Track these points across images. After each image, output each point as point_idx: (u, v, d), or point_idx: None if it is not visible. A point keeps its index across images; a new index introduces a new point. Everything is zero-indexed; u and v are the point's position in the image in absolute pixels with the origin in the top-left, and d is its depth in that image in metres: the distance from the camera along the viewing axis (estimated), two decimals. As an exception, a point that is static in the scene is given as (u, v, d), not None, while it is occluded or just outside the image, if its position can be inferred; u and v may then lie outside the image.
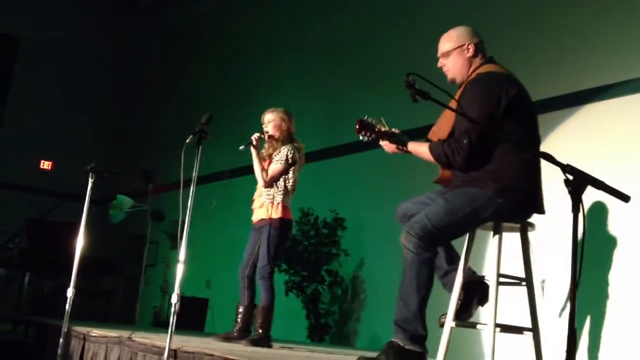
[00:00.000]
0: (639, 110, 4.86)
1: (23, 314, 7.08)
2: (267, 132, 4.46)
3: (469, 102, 2.88)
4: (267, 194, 4.38)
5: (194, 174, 3.20)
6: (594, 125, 5.16)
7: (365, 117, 3.08)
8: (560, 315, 4.78)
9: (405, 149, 3.10)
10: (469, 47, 3.07)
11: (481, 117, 2.82)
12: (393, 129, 3.14)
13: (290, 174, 4.41)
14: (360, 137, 3.08)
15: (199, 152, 3.23)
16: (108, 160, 11.86)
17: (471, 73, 3.06)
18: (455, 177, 3.02)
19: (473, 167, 2.89)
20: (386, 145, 3.14)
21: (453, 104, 2.90)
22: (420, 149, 3.04)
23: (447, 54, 3.12)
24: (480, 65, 3.06)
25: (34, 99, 12.29)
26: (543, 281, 4.98)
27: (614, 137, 4.98)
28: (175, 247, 9.80)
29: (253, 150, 4.35)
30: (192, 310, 7.50)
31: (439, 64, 3.16)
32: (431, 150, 2.97)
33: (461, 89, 3.03)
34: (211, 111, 3.57)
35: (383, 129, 3.10)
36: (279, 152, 4.40)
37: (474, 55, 3.08)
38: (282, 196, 4.38)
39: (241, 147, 4.35)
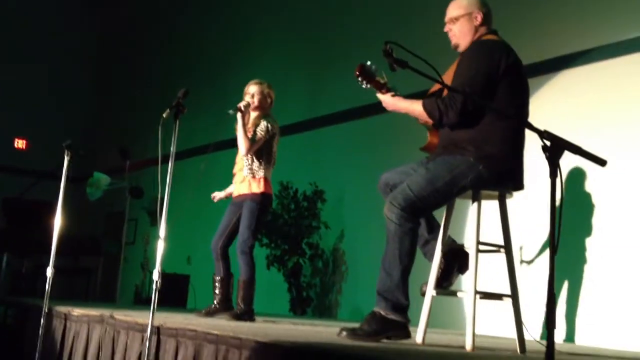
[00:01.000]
0: (611, 75, 4.89)
1: (2, 294, 7.03)
2: (253, 102, 4.43)
3: (469, 59, 2.92)
4: (249, 169, 4.36)
5: (172, 149, 3.16)
6: (570, 92, 5.19)
7: (368, 63, 3.04)
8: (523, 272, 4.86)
9: (399, 95, 3.08)
10: (477, 15, 3.09)
11: (479, 78, 2.84)
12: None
13: (273, 147, 4.42)
14: (359, 82, 3.05)
15: (177, 126, 3.19)
16: (84, 138, 11.72)
17: (474, 41, 3.07)
18: (439, 143, 3.04)
19: (461, 128, 2.90)
20: (384, 100, 3.12)
21: (450, 71, 2.92)
22: (412, 106, 3.05)
23: (454, 20, 3.13)
24: (484, 34, 3.07)
25: (8, 77, 12.06)
26: (521, 248, 5.04)
27: (589, 102, 5.02)
28: (154, 223, 9.76)
29: (239, 117, 4.31)
30: (174, 287, 7.49)
31: (445, 29, 3.16)
32: (424, 105, 2.98)
33: (458, 58, 3.05)
34: (188, 85, 3.53)
35: (382, 81, 3.07)
36: (259, 124, 4.38)
37: (481, 24, 3.09)
38: (263, 170, 4.37)
39: (230, 111, 4.30)
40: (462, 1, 3.16)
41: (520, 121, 2.85)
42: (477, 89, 2.85)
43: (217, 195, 4.75)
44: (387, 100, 3.11)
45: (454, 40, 3.15)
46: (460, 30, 3.12)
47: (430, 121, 3.05)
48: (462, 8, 3.13)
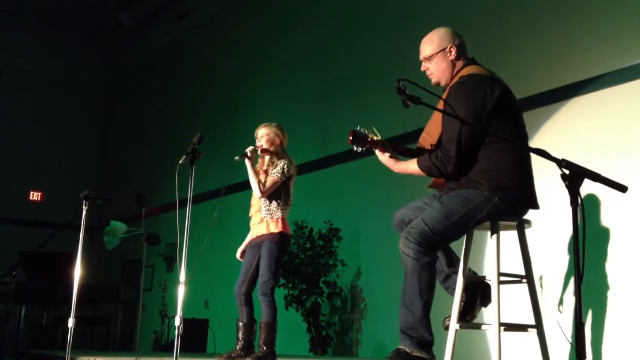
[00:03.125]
0: (623, 100, 4.90)
1: (23, 347, 7.01)
2: (261, 146, 4.47)
3: (454, 105, 2.90)
4: (267, 210, 4.38)
5: (189, 194, 3.19)
6: (581, 119, 5.20)
7: (358, 128, 3.08)
8: (558, 309, 4.80)
9: (397, 158, 3.10)
10: (451, 49, 3.10)
11: (467, 120, 2.84)
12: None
13: (290, 188, 4.45)
14: (354, 148, 3.08)
15: (193, 171, 3.22)
16: (98, 187, 11.82)
17: (454, 75, 3.08)
18: (448, 180, 3.04)
19: (466, 170, 2.91)
20: (380, 155, 3.14)
21: (441, 106, 2.93)
22: (409, 167, 3.05)
23: (429, 58, 3.14)
24: (463, 67, 3.08)
25: (18, 128, 12.23)
26: (540, 277, 5.00)
27: (600, 129, 5.02)
28: (170, 269, 9.76)
29: (247, 162, 4.34)
30: (193, 332, 7.45)
31: (422, 68, 3.18)
32: (420, 166, 2.99)
33: (446, 92, 3.05)
34: (199, 129, 3.57)
35: (375, 138, 3.10)
36: (275, 165, 4.40)
37: (457, 58, 3.10)
38: (281, 211, 4.39)
39: (236, 158, 4.35)
40: (434, 37, 3.15)
41: (525, 149, 2.86)
42: (468, 134, 2.84)
43: (241, 250, 4.68)
44: (384, 161, 3.13)
45: (433, 78, 3.16)
46: (437, 68, 3.13)
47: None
48: (435, 44, 3.12)
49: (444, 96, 3.01)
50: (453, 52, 3.09)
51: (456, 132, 2.84)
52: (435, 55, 3.12)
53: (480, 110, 2.87)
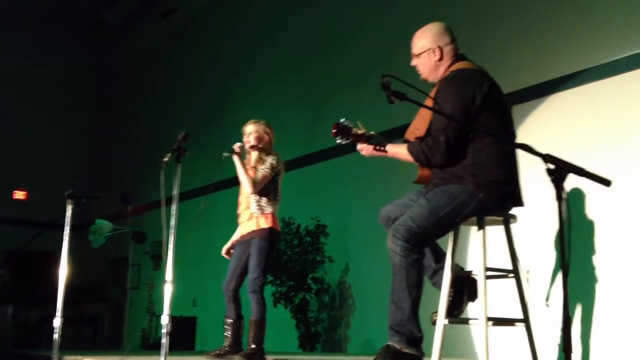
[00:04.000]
0: (602, 95, 4.95)
1: (9, 347, 6.96)
2: (249, 142, 4.45)
3: (443, 99, 2.91)
4: (257, 205, 4.36)
5: (175, 192, 3.17)
6: (562, 114, 5.24)
7: (342, 120, 3.06)
8: (546, 303, 4.83)
9: (382, 149, 3.09)
10: (436, 51, 3.11)
11: (456, 113, 2.85)
12: (371, 132, 3.13)
13: (278, 184, 4.43)
14: (337, 141, 3.07)
15: (178, 169, 3.20)
16: (83, 186, 11.74)
17: (445, 71, 3.09)
18: (434, 175, 3.04)
19: (452, 163, 2.92)
20: (363, 149, 3.14)
21: (429, 102, 2.93)
22: (398, 150, 3.05)
23: (417, 55, 3.16)
24: (452, 63, 3.09)
25: (2, 127, 12.12)
26: (527, 271, 5.02)
27: (581, 124, 5.06)
28: (157, 268, 9.72)
29: (236, 158, 4.32)
30: (181, 330, 7.43)
31: (412, 63, 3.19)
32: (409, 150, 2.99)
33: (435, 87, 3.06)
34: (186, 127, 3.56)
35: (360, 132, 3.09)
36: (264, 161, 4.39)
37: (441, 58, 3.11)
38: (271, 207, 4.37)
39: (224, 154, 4.32)
40: (423, 36, 3.17)
41: (510, 144, 2.87)
42: (457, 126, 2.85)
43: (226, 248, 4.66)
44: (370, 153, 3.12)
45: (422, 74, 3.19)
46: (424, 66, 3.16)
47: None
48: (422, 43, 3.15)
49: (432, 93, 3.02)
50: (437, 54, 3.11)
51: (445, 123, 2.85)
52: (422, 53, 3.14)
53: (469, 103, 2.88)
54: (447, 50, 3.12)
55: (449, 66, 3.08)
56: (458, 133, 2.85)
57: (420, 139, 2.99)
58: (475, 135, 2.89)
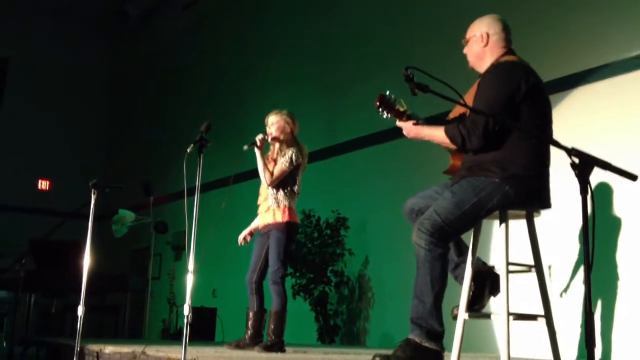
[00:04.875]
0: (628, 89, 4.87)
1: (33, 335, 7.06)
2: (271, 134, 4.45)
3: (488, 85, 2.89)
4: (274, 198, 4.37)
5: (197, 183, 3.18)
6: (587, 108, 5.17)
7: (387, 93, 3.04)
8: (560, 296, 4.79)
9: (421, 124, 3.05)
10: (483, 36, 3.09)
11: (500, 99, 2.82)
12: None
13: (298, 177, 4.43)
14: (379, 112, 3.04)
15: (201, 160, 3.21)
16: (106, 176, 11.86)
17: (492, 62, 3.06)
18: (463, 164, 3.02)
19: (484, 150, 2.88)
20: (404, 127, 3.10)
21: (471, 92, 2.91)
22: (435, 132, 3.02)
23: (467, 41, 3.16)
24: (502, 55, 3.07)
25: (27, 119, 12.28)
26: (549, 267, 4.98)
27: (607, 117, 5.00)
28: (179, 258, 9.79)
29: (257, 151, 4.33)
30: (201, 321, 7.48)
31: (464, 50, 3.19)
32: (447, 131, 2.95)
33: (477, 82, 3.04)
34: (207, 118, 3.56)
35: (401, 109, 3.07)
36: (284, 154, 4.39)
37: (486, 45, 3.09)
38: (288, 200, 4.38)
39: (245, 147, 4.33)
40: (476, 23, 3.16)
41: (544, 139, 2.83)
42: (498, 110, 2.83)
43: (243, 234, 4.69)
44: (408, 128, 3.09)
45: (469, 61, 3.17)
46: (470, 52, 3.15)
47: (452, 145, 3.04)
48: (473, 30, 3.14)
49: (476, 83, 3.00)
50: (484, 40, 3.08)
51: (488, 106, 2.82)
52: (470, 39, 3.14)
53: (514, 90, 2.85)
54: (495, 39, 3.09)
55: (498, 58, 3.06)
56: (500, 117, 2.81)
57: (458, 121, 2.96)
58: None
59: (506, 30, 3.14)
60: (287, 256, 4.36)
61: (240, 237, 4.66)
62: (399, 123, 3.10)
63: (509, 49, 3.11)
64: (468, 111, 2.93)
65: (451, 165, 3.14)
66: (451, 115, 3.12)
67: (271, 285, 4.27)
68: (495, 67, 3.00)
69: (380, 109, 3.01)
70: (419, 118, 3.08)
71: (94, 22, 12.86)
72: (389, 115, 3.04)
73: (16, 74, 12.38)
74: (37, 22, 12.37)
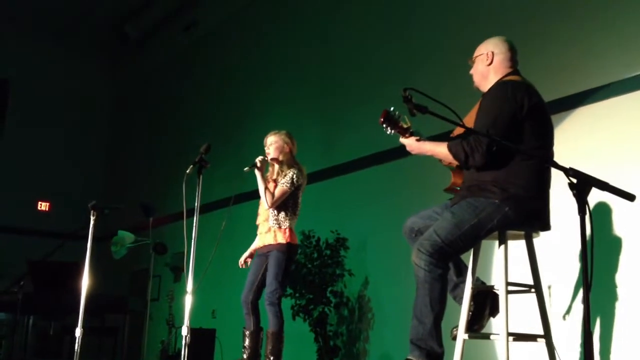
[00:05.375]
0: (629, 109, 4.89)
1: (31, 357, 7.02)
2: (269, 154, 4.47)
3: (491, 103, 2.91)
4: (275, 219, 4.38)
5: (197, 204, 3.19)
6: (588, 128, 5.19)
7: (392, 109, 3.06)
8: (564, 318, 4.77)
9: (424, 140, 3.07)
10: (488, 55, 3.13)
11: (503, 118, 2.84)
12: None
13: (298, 198, 4.45)
14: (384, 128, 3.06)
15: (200, 181, 3.23)
16: (106, 197, 11.85)
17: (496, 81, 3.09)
18: (463, 183, 3.03)
19: (486, 169, 2.89)
20: (407, 144, 3.12)
21: (472, 112, 2.93)
22: (437, 149, 3.04)
23: (473, 60, 3.20)
24: (506, 75, 3.10)
25: (27, 141, 12.30)
26: (549, 287, 4.97)
27: (607, 138, 5.01)
28: (178, 279, 9.76)
29: (257, 172, 4.35)
30: (200, 342, 7.43)
31: (471, 71, 3.22)
32: (450, 148, 2.96)
33: (483, 95, 3.07)
34: (205, 140, 3.58)
35: (405, 126, 3.09)
36: (285, 174, 4.40)
37: (492, 63, 3.12)
38: (289, 221, 4.38)
39: (246, 169, 4.35)
40: (485, 42, 3.22)
41: (545, 161, 2.84)
42: (500, 130, 2.84)
43: (244, 257, 4.70)
44: (411, 144, 3.11)
45: (475, 81, 3.20)
46: (475, 71, 3.19)
47: (454, 162, 3.05)
48: (480, 49, 3.20)
49: (476, 105, 3.02)
50: (489, 58, 3.12)
51: (490, 125, 2.83)
52: (477, 58, 3.19)
53: (517, 109, 2.87)
54: (500, 58, 3.12)
55: (502, 78, 3.08)
56: (499, 139, 2.82)
57: (462, 138, 2.97)
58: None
59: (512, 50, 3.17)
60: (285, 277, 4.36)
61: (241, 260, 4.66)
62: (402, 139, 3.12)
63: (514, 70, 3.13)
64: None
65: (452, 183, 3.16)
66: (455, 133, 3.14)
67: (267, 306, 4.26)
68: (498, 85, 3.03)
69: (384, 125, 3.04)
70: (422, 135, 3.11)
71: (94, 43, 12.93)
72: (393, 131, 3.07)
73: (16, 95, 12.43)
74: (37, 42, 12.44)
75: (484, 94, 3.06)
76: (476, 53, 3.20)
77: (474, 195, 2.92)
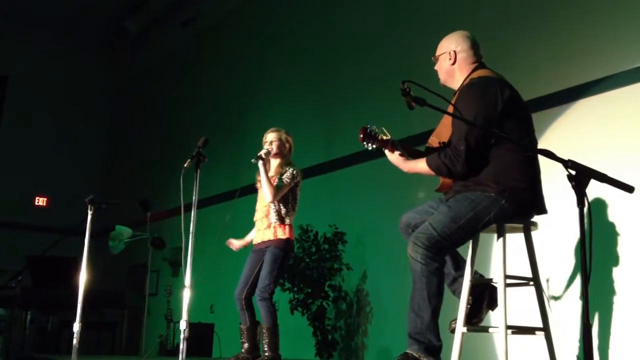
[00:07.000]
0: (628, 102, 4.89)
1: (29, 352, 7.02)
2: (272, 149, 4.47)
3: (464, 105, 2.89)
4: (277, 215, 4.37)
5: (194, 198, 3.18)
6: (587, 121, 5.18)
7: (369, 125, 3.07)
8: (561, 311, 4.78)
9: (405, 157, 3.09)
10: (450, 54, 3.12)
11: (478, 120, 2.83)
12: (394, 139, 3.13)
13: (297, 194, 4.45)
14: (365, 145, 3.07)
15: (198, 175, 3.22)
16: (104, 192, 11.84)
17: (465, 80, 3.08)
18: (456, 182, 3.02)
19: (474, 171, 2.90)
20: (389, 154, 3.13)
21: (450, 110, 2.92)
22: (418, 166, 3.03)
23: (437, 57, 3.19)
24: (473, 71, 3.09)
25: (25, 136, 12.28)
26: (547, 280, 4.98)
27: (606, 130, 5.00)
28: (176, 274, 9.76)
29: (260, 165, 4.34)
30: (199, 336, 7.44)
31: (435, 67, 3.21)
32: (429, 164, 2.97)
33: (456, 95, 3.05)
34: (204, 134, 3.57)
35: (385, 138, 3.09)
36: (285, 171, 4.41)
37: (455, 62, 3.12)
38: (289, 217, 4.39)
39: (253, 160, 4.34)
40: (445, 40, 3.21)
41: (531, 150, 2.85)
42: (479, 130, 2.84)
43: (235, 243, 4.71)
44: (394, 160, 3.12)
45: (440, 78, 3.20)
46: (440, 69, 3.20)
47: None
48: (442, 47, 3.20)
49: (453, 100, 3.01)
50: (452, 57, 3.13)
51: (465, 131, 2.83)
52: (439, 56, 3.19)
53: (491, 110, 2.87)
54: (463, 56, 3.12)
55: (469, 74, 3.08)
56: (480, 139, 2.83)
57: (439, 150, 2.97)
58: (496, 142, 2.87)
59: (474, 46, 3.16)
60: (280, 273, 4.36)
61: (236, 243, 4.67)
62: (387, 153, 3.13)
63: (479, 63, 3.13)
64: (446, 140, 2.95)
65: (442, 183, 3.16)
66: (430, 142, 3.13)
67: (259, 302, 4.25)
68: (468, 87, 2.99)
69: (364, 142, 3.05)
70: (400, 147, 3.10)
71: (93, 38, 12.90)
72: (375, 145, 3.07)
73: (14, 90, 12.40)
74: (36, 38, 12.41)
75: (456, 96, 3.04)
76: (438, 51, 3.19)
77: (470, 189, 2.92)
